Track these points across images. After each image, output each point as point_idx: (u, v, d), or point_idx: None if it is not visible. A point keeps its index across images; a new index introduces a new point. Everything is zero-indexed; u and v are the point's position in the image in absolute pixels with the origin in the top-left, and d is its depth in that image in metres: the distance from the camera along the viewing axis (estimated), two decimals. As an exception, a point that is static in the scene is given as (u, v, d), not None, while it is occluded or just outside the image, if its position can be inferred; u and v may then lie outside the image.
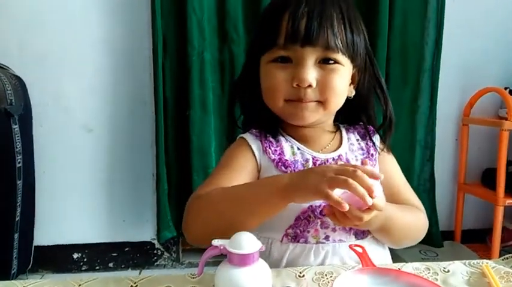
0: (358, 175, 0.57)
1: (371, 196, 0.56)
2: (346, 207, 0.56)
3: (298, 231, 0.76)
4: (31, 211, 1.78)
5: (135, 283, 0.65)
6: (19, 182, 1.62)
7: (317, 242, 0.76)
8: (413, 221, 0.81)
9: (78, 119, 1.87)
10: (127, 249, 1.98)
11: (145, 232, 1.98)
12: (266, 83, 0.77)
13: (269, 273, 0.61)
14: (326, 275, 0.67)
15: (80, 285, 0.65)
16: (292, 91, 0.74)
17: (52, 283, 0.65)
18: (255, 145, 0.81)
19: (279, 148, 0.81)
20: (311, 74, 0.72)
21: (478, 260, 0.74)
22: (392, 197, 0.80)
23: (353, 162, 0.82)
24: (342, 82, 0.76)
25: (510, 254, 0.76)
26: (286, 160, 0.79)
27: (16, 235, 1.66)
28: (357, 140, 0.87)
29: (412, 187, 0.91)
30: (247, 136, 0.83)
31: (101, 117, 1.88)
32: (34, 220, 1.81)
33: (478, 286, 0.66)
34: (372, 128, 0.87)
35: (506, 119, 1.85)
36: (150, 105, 1.86)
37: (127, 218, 1.96)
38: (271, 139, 0.81)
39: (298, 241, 0.76)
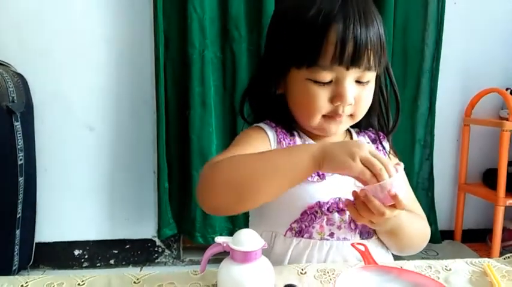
0: (385, 162, 0.59)
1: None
2: (373, 182, 0.58)
3: (303, 226, 0.76)
4: (32, 208, 1.78)
5: (138, 279, 0.65)
6: (20, 179, 1.63)
7: (321, 239, 0.76)
8: (420, 230, 0.82)
9: (80, 117, 1.87)
10: (128, 246, 1.99)
11: (146, 230, 1.98)
12: (304, 100, 0.75)
13: (271, 270, 0.61)
14: (328, 272, 0.67)
15: (83, 281, 0.65)
16: (331, 108, 0.74)
17: (55, 278, 0.65)
18: (271, 134, 0.80)
19: (292, 141, 0.80)
20: (352, 93, 0.73)
21: (480, 259, 0.74)
22: None
23: None
24: (371, 94, 0.78)
25: (511, 254, 0.76)
26: None
27: (17, 232, 1.66)
28: (368, 143, 0.87)
29: (411, 185, 0.91)
30: (262, 125, 0.82)
31: (102, 116, 1.88)
32: (35, 217, 1.82)
33: (480, 285, 0.66)
34: (382, 134, 0.88)
35: (507, 119, 1.85)
36: (151, 104, 1.86)
37: (128, 215, 1.96)
38: (285, 132, 0.81)
39: (302, 236, 0.76)
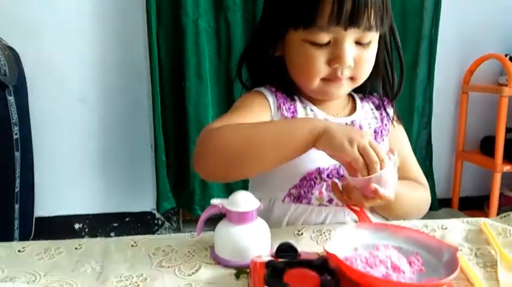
0: (381, 157, 0.59)
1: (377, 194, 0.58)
2: (363, 171, 0.58)
3: (302, 192, 0.76)
4: (30, 182, 1.78)
5: (135, 242, 0.66)
6: (17, 154, 1.62)
7: (320, 204, 0.76)
8: (417, 200, 0.82)
9: (74, 91, 1.85)
10: (128, 219, 2.00)
11: (145, 203, 1.99)
12: (302, 63, 0.73)
13: (268, 231, 0.61)
14: (324, 233, 0.68)
15: (80, 245, 0.65)
16: (329, 71, 0.72)
17: (52, 243, 0.66)
18: (271, 98, 0.78)
19: (292, 106, 0.79)
20: (351, 55, 0.70)
21: (476, 218, 0.74)
22: (399, 171, 0.80)
23: (366, 128, 0.81)
24: (373, 57, 0.75)
25: (507, 213, 0.76)
26: None
27: (17, 206, 1.67)
28: (371, 109, 0.86)
29: None
30: (262, 89, 0.80)
31: (97, 89, 1.86)
32: (34, 191, 1.82)
33: (476, 242, 0.66)
34: (387, 99, 0.86)
35: (506, 85, 1.84)
36: (146, 76, 1.84)
37: (127, 188, 1.97)
38: (285, 97, 0.79)
39: (301, 202, 0.76)
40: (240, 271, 0.56)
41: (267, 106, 0.77)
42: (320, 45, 0.70)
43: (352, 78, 0.75)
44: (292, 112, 0.78)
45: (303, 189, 0.76)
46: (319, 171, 0.75)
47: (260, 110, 0.77)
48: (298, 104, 0.79)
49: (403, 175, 0.80)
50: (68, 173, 1.91)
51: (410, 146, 0.91)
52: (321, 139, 0.61)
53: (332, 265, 0.50)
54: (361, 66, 0.73)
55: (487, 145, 1.99)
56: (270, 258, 0.53)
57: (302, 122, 0.67)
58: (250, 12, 1.76)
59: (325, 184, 0.76)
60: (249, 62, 0.84)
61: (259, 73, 0.84)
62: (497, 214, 1.90)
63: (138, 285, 0.54)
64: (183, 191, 1.89)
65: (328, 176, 0.75)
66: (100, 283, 0.55)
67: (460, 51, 2.06)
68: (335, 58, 0.70)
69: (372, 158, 0.58)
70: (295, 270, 0.49)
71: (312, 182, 0.75)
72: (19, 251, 0.64)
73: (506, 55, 1.92)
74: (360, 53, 0.72)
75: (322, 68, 0.71)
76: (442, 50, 1.97)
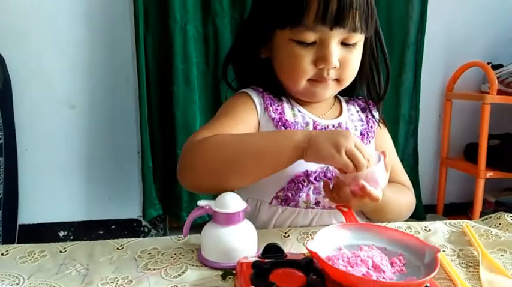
0: (370, 163, 0.61)
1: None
2: (350, 179, 0.60)
3: (290, 195, 0.76)
4: (14, 189, 1.75)
5: (121, 245, 0.65)
6: (1, 159, 1.60)
7: (307, 207, 0.76)
8: (404, 203, 0.83)
9: (60, 96, 1.83)
10: (113, 226, 1.98)
11: (131, 209, 1.97)
12: (288, 63, 0.74)
13: (254, 232, 0.61)
14: (311, 234, 0.68)
15: (64, 248, 0.64)
16: (316, 72, 0.73)
17: (36, 246, 0.65)
18: (257, 100, 0.79)
19: (280, 107, 0.79)
20: (336, 56, 0.71)
21: (459, 221, 0.76)
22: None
23: (352, 131, 0.83)
24: (358, 59, 0.77)
25: (489, 215, 0.78)
26: (287, 120, 0.78)
27: (0, 213, 1.64)
28: (357, 111, 0.87)
29: None
30: (249, 91, 0.80)
31: (83, 94, 1.85)
32: (18, 198, 1.79)
33: (458, 243, 0.67)
34: (372, 103, 0.87)
35: (488, 93, 1.88)
36: (133, 81, 1.84)
37: (112, 195, 1.95)
38: (273, 97, 0.80)
39: (288, 204, 0.76)
40: (227, 272, 0.56)
41: (253, 108, 0.78)
42: (306, 45, 0.71)
43: (337, 80, 0.76)
44: (280, 113, 0.78)
45: (290, 192, 0.76)
46: (306, 174, 0.76)
47: (246, 115, 0.77)
48: (286, 105, 0.80)
49: (389, 179, 0.81)
50: (53, 179, 1.89)
51: (395, 149, 0.92)
52: (308, 152, 0.62)
53: (318, 265, 0.50)
54: (347, 68, 0.74)
55: (470, 152, 2.03)
56: (256, 259, 0.53)
57: (286, 137, 0.66)
58: (237, 18, 1.77)
59: (312, 186, 0.76)
60: (235, 63, 0.84)
61: (245, 74, 0.84)
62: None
63: (124, 288, 0.54)
64: (170, 198, 1.88)
65: (315, 179, 0.76)
66: (85, 286, 0.54)
67: (444, 60, 2.11)
68: (321, 58, 0.71)
69: (359, 161, 0.60)
70: (281, 270, 0.49)
71: (300, 185, 0.76)
72: (2, 254, 0.63)
73: (488, 63, 1.96)
74: (345, 54, 0.73)
75: (308, 68, 0.72)
76: (427, 58, 2.00)
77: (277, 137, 0.67)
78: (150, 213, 1.86)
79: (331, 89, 0.76)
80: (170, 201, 1.88)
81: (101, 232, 1.97)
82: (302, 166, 0.76)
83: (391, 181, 0.82)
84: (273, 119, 0.77)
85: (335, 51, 0.71)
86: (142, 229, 2.01)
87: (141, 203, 1.90)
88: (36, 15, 1.76)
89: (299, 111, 0.80)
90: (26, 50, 1.76)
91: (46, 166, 1.86)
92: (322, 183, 0.75)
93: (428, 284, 0.47)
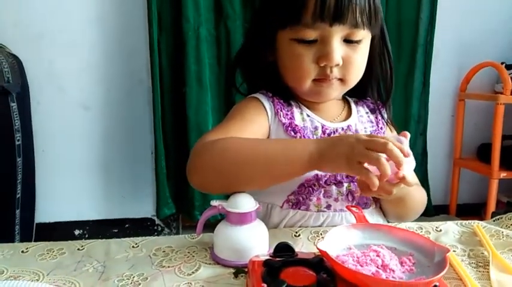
0: (389, 148, 0.55)
1: (399, 169, 0.56)
2: (376, 185, 0.55)
3: (301, 198, 0.76)
4: (31, 188, 1.80)
5: (136, 243, 0.67)
6: (19, 160, 1.64)
7: (318, 211, 0.76)
8: (421, 197, 0.83)
9: (75, 98, 1.87)
10: (127, 225, 2.01)
11: (145, 209, 2.00)
12: (291, 63, 0.74)
13: (266, 232, 0.63)
14: (321, 234, 0.69)
15: (82, 246, 0.66)
16: (319, 70, 0.72)
17: (55, 244, 0.67)
18: (267, 104, 0.78)
19: (290, 112, 0.79)
20: (338, 53, 0.70)
21: (470, 221, 0.76)
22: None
23: (361, 132, 0.82)
24: (364, 59, 0.75)
25: (500, 215, 0.78)
26: (297, 125, 0.77)
27: (18, 211, 1.68)
28: (366, 113, 0.86)
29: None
30: (259, 95, 0.80)
31: (98, 96, 1.89)
32: (35, 197, 1.83)
33: (469, 244, 0.67)
34: (381, 103, 0.86)
35: (502, 93, 1.86)
36: (146, 83, 1.86)
37: (127, 195, 1.98)
38: (282, 102, 0.79)
39: (299, 208, 0.76)
40: (239, 270, 0.58)
41: (264, 113, 0.78)
42: (308, 43, 0.71)
43: (342, 80, 0.74)
44: (290, 118, 0.78)
45: (301, 195, 0.76)
46: (317, 178, 0.76)
47: (257, 118, 0.77)
48: (295, 110, 0.80)
49: None
50: (69, 179, 1.93)
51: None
52: (321, 164, 0.61)
53: (328, 264, 0.51)
54: (350, 66, 0.73)
55: (483, 152, 2.01)
56: (267, 257, 0.54)
57: (296, 146, 0.64)
58: (249, 21, 1.79)
59: (323, 190, 0.76)
60: (243, 67, 0.84)
61: (253, 78, 0.84)
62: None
63: (140, 284, 0.55)
64: (183, 197, 1.90)
65: (326, 182, 0.76)
66: (102, 282, 0.56)
67: (457, 60, 2.09)
68: (323, 56, 0.70)
69: (377, 161, 0.55)
70: (292, 268, 0.51)
71: (310, 189, 0.76)
72: (22, 251, 0.65)
73: (502, 63, 1.95)
74: (348, 52, 0.72)
75: (311, 67, 0.72)
76: (440, 58, 2.00)
77: (290, 146, 0.65)
78: (164, 212, 1.89)
79: (336, 89, 0.75)
80: (183, 200, 1.91)
81: (115, 231, 2.01)
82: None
83: None
84: (283, 124, 0.77)
85: (337, 48, 0.70)
86: (155, 227, 2.04)
87: (154, 203, 1.93)
88: (52, 20, 1.80)
89: (308, 115, 0.80)
90: (42, 53, 1.81)
91: (62, 167, 1.90)
92: (333, 187, 0.76)
93: (437, 284, 0.48)
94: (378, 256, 0.51)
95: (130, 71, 1.88)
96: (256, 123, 0.76)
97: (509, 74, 1.89)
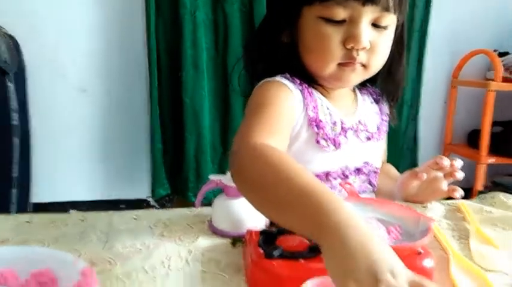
0: None
1: None
2: None
3: None
4: (27, 168, 1.81)
5: (137, 216, 0.70)
6: (16, 140, 1.65)
7: None
8: None
9: (72, 80, 1.88)
10: (122, 206, 2.04)
11: (140, 190, 2.03)
12: (316, 43, 0.70)
13: (263, 205, 0.66)
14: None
15: (85, 218, 0.69)
16: (344, 53, 0.68)
17: (57, 216, 0.70)
18: (297, 94, 0.73)
19: (315, 104, 0.75)
20: (367, 35, 0.67)
21: (455, 200, 0.80)
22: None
23: (370, 125, 0.80)
24: (389, 46, 0.72)
25: (484, 194, 0.82)
26: (321, 121, 0.74)
27: (14, 191, 1.70)
28: (371, 103, 0.85)
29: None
30: (285, 81, 0.74)
31: (95, 78, 1.89)
32: (31, 177, 1.85)
33: (453, 219, 0.71)
34: (387, 96, 0.84)
35: (493, 80, 1.90)
36: (143, 66, 1.87)
37: (122, 176, 2.01)
38: (310, 91, 0.75)
39: None
40: (236, 239, 0.61)
41: (293, 99, 0.73)
42: (335, 23, 0.67)
43: (365, 66, 0.71)
44: (315, 112, 0.75)
45: None
46: (327, 174, 0.76)
47: (288, 107, 0.72)
48: (318, 101, 0.76)
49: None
50: (65, 160, 1.95)
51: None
52: (326, 256, 0.41)
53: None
54: (376, 51, 0.69)
55: (473, 138, 2.05)
56: (264, 228, 0.58)
57: (321, 212, 0.44)
58: (247, 5, 1.80)
59: (329, 184, 0.76)
60: (256, 49, 0.79)
61: (269, 61, 0.78)
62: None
63: (143, 252, 0.58)
64: (178, 179, 1.93)
65: (335, 178, 0.76)
66: (106, 250, 0.59)
67: (450, 47, 2.12)
68: (350, 37, 0.66)
69: None
70: (287, 237, 0.54)
71: None
72: (27, 221, 0.68)
73: (495, 51, 1.98)
74: (376, 37, 0.68)
75: (336, 49, 0.68)
76: (433, 46, 2.02)
77: (316, 208, 0.45)
78: (159, 192, 1.92)
79: (358, 75, 0.72)
80: (178, 181, 1.94)
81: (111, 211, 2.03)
82: (324, 166, 0.76)
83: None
84: (310, 117, 0.74)
85: (366, 31, 0.66)
86: (150, 209, 2.06)
87: (149, 185, 1.96)
88: (49, 2, 1.79)
89: (327, 108, 0.76)
90: (39, 34, 1.81)
91: (58, 147, 1.92)
92: (338, 180, 0.76)
93: (421, 251, 0.52)
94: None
95: (127, 54, 1.88)
96: (287, 116, 0.71)
97: (502, 61, 1.93)
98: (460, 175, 0.73)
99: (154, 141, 1.86)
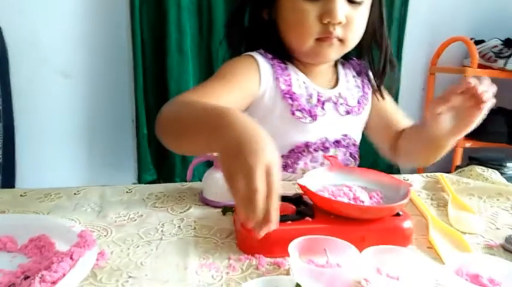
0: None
1: None
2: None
3: (289, 162, 0.80)
4: (11, 154, 1.79)
5: (130, 189, 0.72)
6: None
7: (303, 173, 0.79)
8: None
9: (55, 65, 1.85)
10: (108, 192, 2.04)
11: (126, 176, 2.02)
12: (294, 19, 0.73)
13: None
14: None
15: (78, 191, 0.71)
16: (321, 28, 0.72)
17: (52, 189, 0.71)
18: (265, 67, 0.77)
19: (288, 77, 0.78)
20: (342, 11, 0.70)
21: (434, 173, 0.84)
22: (396, 127, 0.88)
23: (350, 99, 0.83)
24: (364, 21, 0.76)
25: (462, 169, 0.86)
26: (294, 93, 0.77)
27: (-1, 176, 1.68)
28: (353, 76, 0.87)
29: None
30: (256, 55, 0.78)
31: (79, 63, 1.87)
32: (15, 163, 1.83)
33: (432, 190, 0.76)
34: (363, 64, 0.88)
35: (469, 67, 1.96)
36: (128, 51, 1.86)
37: (107, 162, 2.00)
38: (282, 65, 0.78)
39: (286, 171, 0.80)
40: (227, 208, 0.64)
41: (256, 74, 0.76)
42: (312, 0, 0.71)
43: (342, 41, 0.74)
44: (288, 85, 0.78)
45: (289, 159, 0.80)
46: (306, 145, 0.79)
47: (245, 81, 0.75)
48: (293, 75, 0.79)
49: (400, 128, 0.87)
50: (49, 146, 1.93)
51: (396, 105, 0.96)
52: (217, 149, 0.47)
53: (307, 199, 0.58)
54: (351, 26, 0.73)
55: (451, 124, 2.11)
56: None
57: (208, 121, 0.51)
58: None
59: (310, 156, 0.80)
60: (237, 26, 0.82)
61: (249, 38, 0.82)
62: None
63: (136, 220, 0.61)
64: (164, 164, 1.94)
65: (315, 149, 0.80)
66: (100, 219, 0.61)
67: (428, 35, 2.17)
68: (326, 12, 0.70)
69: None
70: (275, 202, 0.57)
71: (299, 155, 0.80)
72: (21, 195, 0.69)
73: (471, 39, 2.04)
74: (351, 12, 0.72)
75: (313, 24, 0.71)
76: (411, 34, 2.06)
77: (208, 114, 0.52)
78: (145, 178, 1.92)
79: (335, 50, 0.75)
80: (164, 167, 1.95)
81: (96, 199, 2.03)
82: (304, 137, 0.79)
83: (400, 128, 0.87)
84: (282, 90, 0.77)
85: (341, 6, 0.70)
86: (136, 195, 2.07)
87: (135, 170, 1.96)
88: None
89: (304, 82, 0.80)
90: (20, 20, 1.77)
91: (42, 134, 1.90)
92: (320, 152, 0.80)
93: (400, 212, 0.55)
94: (350, 190, 0.57)
95: (111, 39, 1.87)
96: (242, 87, 0.74)
97: (478, 49, 1.99)
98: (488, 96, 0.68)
99: (140, 127, 1.86)
